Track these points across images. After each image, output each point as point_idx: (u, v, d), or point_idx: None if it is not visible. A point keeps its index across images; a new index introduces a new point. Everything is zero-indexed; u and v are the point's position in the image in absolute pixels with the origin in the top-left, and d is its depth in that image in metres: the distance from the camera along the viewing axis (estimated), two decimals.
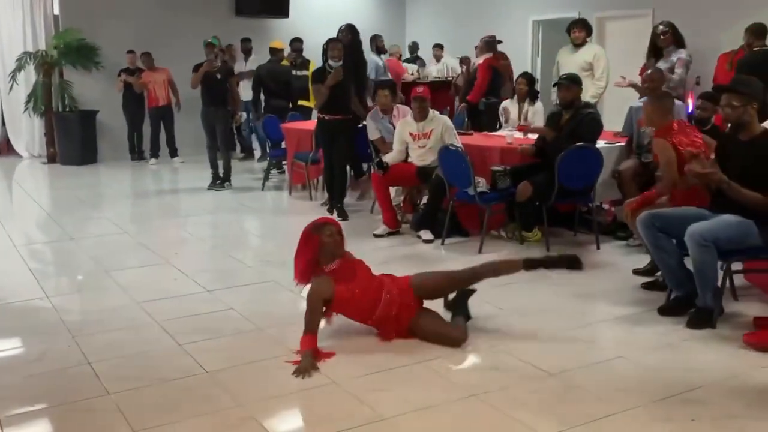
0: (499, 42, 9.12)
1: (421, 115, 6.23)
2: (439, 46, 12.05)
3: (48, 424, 3.06)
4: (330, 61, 6.84)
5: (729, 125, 4.28)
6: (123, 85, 10.79)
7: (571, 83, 5.75)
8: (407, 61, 12.24)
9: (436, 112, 6.42)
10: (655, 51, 6.96)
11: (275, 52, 9.89)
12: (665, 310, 4.20)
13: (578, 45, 7.63)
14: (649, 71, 6.08)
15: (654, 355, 3.65)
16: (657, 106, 4.75)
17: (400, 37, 13.34)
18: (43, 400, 3.21)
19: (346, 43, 7.34)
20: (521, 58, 10.71)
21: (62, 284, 5.25)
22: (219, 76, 8.52)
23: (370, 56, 9.23)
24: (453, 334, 3.80)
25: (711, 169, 4.00)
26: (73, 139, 11.03)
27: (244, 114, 9.91)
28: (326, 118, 6.94)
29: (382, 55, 10.36)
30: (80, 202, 8.22)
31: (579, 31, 7.60)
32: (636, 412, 3.03)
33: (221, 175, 8.70)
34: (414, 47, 12.60)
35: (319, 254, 3.81)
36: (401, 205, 6.79)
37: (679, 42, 6.83)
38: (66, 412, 3.11)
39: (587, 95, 7.38)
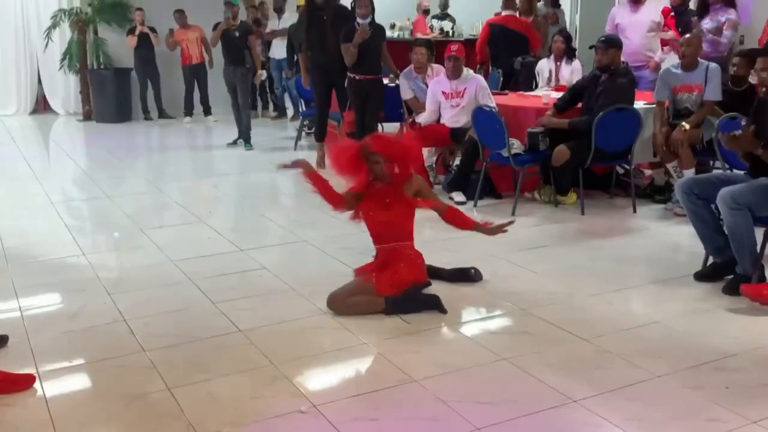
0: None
1: (454, 74, 6.14)
2: None
3: (84, 379, 3.12)
4: (358, 19, 6.74)
5: (764, 89, 4.14)
6: (137, 41, 10.73)
7: (608, 46, 5.59)
8: (437, 17, 12.00)
9: (471, 71, 6.33)
10: (704, 6, 6.65)
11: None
12: (702, 276, 4.13)
13: (637, 2, 7.19)
14: (687, 35, 5.87)
15: (688, 321, 3.60)
16: None
17: None
18: (80, 355, 3.28)
19: None
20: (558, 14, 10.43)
21: (98, 242, 5.33)
22: (237, 35, 8.49)
23: None
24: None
25: (745, 133, 3.88)
26: (107, 97, 11.10)
27: (264, 73, 9.84)
28: (357, 78, 6.86)
29: None
30: (116, 159, 8.31)
31: None
32: (668, 378, 2.99)
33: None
34: (445, 3, 12.33)
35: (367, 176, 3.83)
36: (434, 166, 6.73)
37: (728, 0, 6.54)
38: (102, 368, 3.18)
39: (658, 54, 7.15)
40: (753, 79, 5.13)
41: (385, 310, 3.62)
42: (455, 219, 4.06)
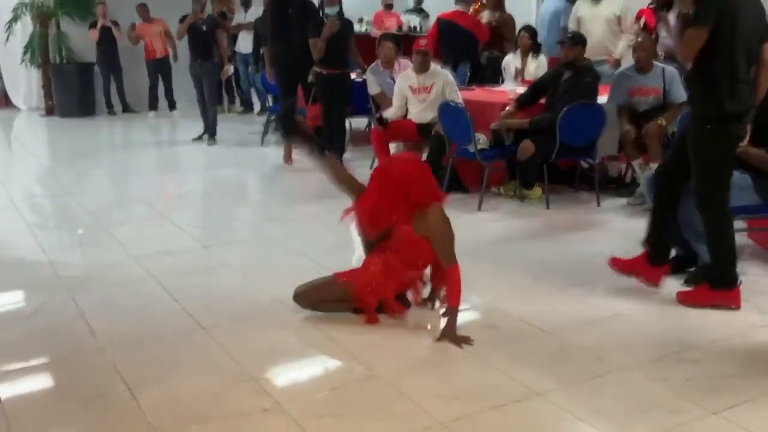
0: None
1: (422, 69, 6.13)
2: None
3: (43, 380, 3.05)
4: (326, 10, 6.68)
5: None
6: (99, 35, 10.57)
7: (574, 43, 5.65)
8: (410, 12, 11.99)
9: (438, 66, 6.32)
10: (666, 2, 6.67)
11: None
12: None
13: None
14: (639, 39, 5.92)
15: (651, 313, 3.64)
16: None
17: None
18: (39, 355, 3.21)
19: None
20: (525, 8, 10.49)
21: (59, 239, 5.23)
22: (204, 28, 8.40)
23: None
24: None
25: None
26: (70, 92, 10.92)
27: (232, 68, 9.73)
28: (324, 72, 6.81)
29: None
30: (78, 155, 8.17)
31: None
32: (631, 371, 3.02)
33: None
34: None
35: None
36: None
37: None
38: (62, 369, 3.11)
39: (618, 50, 7.20)
40: None
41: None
42: (446, 283, 3.39)
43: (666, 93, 5.54)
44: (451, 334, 3.26)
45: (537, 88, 5.89)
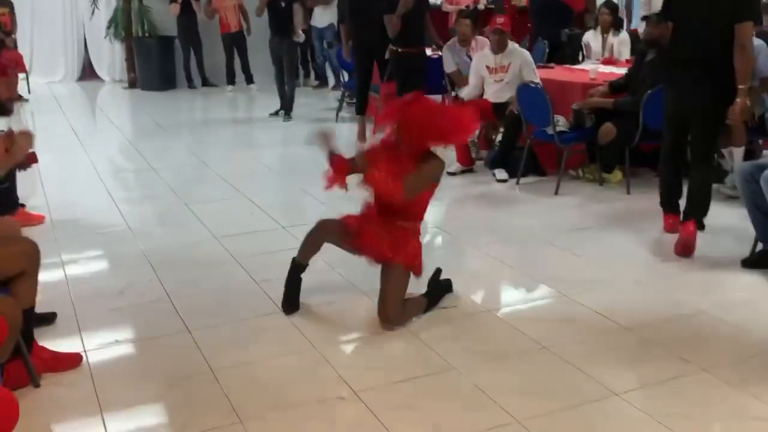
0: None
1: (499, 48, 6.03)
2: None
3: (129, 359, 3.19)
4: None
5: None
6: (179, 9, 10.74)
7: (661, 19, 5.41)
8: None
9: (516, 45, 6.20)
10: None
11: None
12: (749, 263, 4.02)
13: None
14: None
15: (736, 311, 3.52)
16: None
17: None
18: (125, 333, 3.35)
19: None
20: None
21: (144, 215, 5.40)
22: (283, 4, 8.43)
23: None
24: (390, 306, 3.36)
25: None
26: (152, 65, 11.20)
27: (303, 36, 9.72)
28: (399, 50, 6.78)
29: None
30: (160, 129, 8.39)
31: None
32: (713, 372, 2.94)
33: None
34: None
35: None
36: (476, 141, 6.66)
37: None
38: (146, 347, 3.25)
39: None
40: None
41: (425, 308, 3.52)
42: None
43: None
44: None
45: (629, 76, 5.65)
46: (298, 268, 3.58)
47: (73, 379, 2.94)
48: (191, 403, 2.78)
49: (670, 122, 4.51)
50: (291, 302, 3.54)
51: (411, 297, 3.47)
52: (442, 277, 3.73)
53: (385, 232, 3.41)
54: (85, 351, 3.14)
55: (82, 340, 3.25)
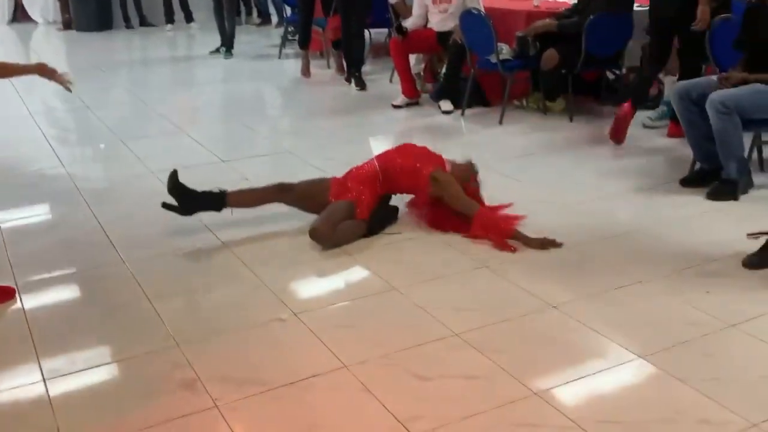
0: None
1: None
2: None
3: (64, 291, 3.10)
4: None
5: None
6: None
7: None
8: None
9: None
10: None
11: None
12: (687, 182, 4.10)
13: None
14: None
15: (672, 226, 3.59)
16: None
17: None
18: (59, 267, 3.26)
19: None
20: None
21: (79, 153, 5.25)
22: None
23: None
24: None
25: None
26: (88, 5, 10.73)
27: None
28: None
29: None
30: (96, 69, 8.09)
31: None
32: (650, 284, 2.99)
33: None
34: None
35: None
36: (421, 73, 6.58)
37: None
38: (82, 279, 3.16)
39: None
40: None
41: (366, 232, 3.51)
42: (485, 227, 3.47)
43: None
44: (533, 243, 3.34)
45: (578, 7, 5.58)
46: (219, 201, 3.50)
47: (5, 313, 2.86)
48: (127, 331, 2.72)
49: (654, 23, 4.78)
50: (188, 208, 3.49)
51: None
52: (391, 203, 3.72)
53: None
54: (16, 285, 3.04)
55: (13, 275, 3.15)
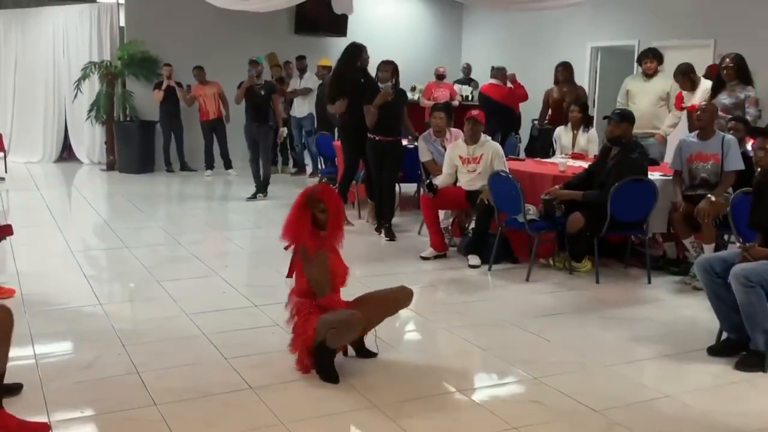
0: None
1: (472, 139, 6.23)
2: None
3: (94, 431, 3.13)
4: (380, 83, 6.94)
5: (759, 169, 4.26)
6: (163, 95, 11.03)
7: (621, 119, 5.63)
8: (459, 82, 12.23)
9: (489, 138, 6.42)
10: (720, 84, 6.68)
11: (321, 69, 10.40)
12: (715, 351, 4.10)
13: (650, 75, 7.46)
14: (703, 103, 5.94)
15: (700, 396, 3.57)
16: None
17: (456, 59, 13.39)
18: (92, 406, 3.30)
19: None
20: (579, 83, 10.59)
21: (115, 292, 5.39)
22: (262, 93, 8.81)
23: None
24: (400, 294, 3.90)
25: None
26: (132, 148, 11.33)
27: (286, 129, 10.08)
28: (376, 138, 6.99)
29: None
30: (136, 210, 8.43)
31: (651, 61, 7.43)
32: None
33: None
34: (467, 69, 12.56)
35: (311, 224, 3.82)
36: (449, 228, 6.79)
37: (745, 78, 6.54)
38: (113, 420, 3.19)
39: (664, 125, 7.30)
40: None
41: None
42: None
43: (723, 159, 5.50)
44: None
45: (590, 173, 5.85)
46: (331, 354, 3.67)
47: None
48: None
49: None
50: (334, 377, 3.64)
51: None
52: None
53: None
54: (50, 422, 3.08)
55: (47, 412, 3.20)
